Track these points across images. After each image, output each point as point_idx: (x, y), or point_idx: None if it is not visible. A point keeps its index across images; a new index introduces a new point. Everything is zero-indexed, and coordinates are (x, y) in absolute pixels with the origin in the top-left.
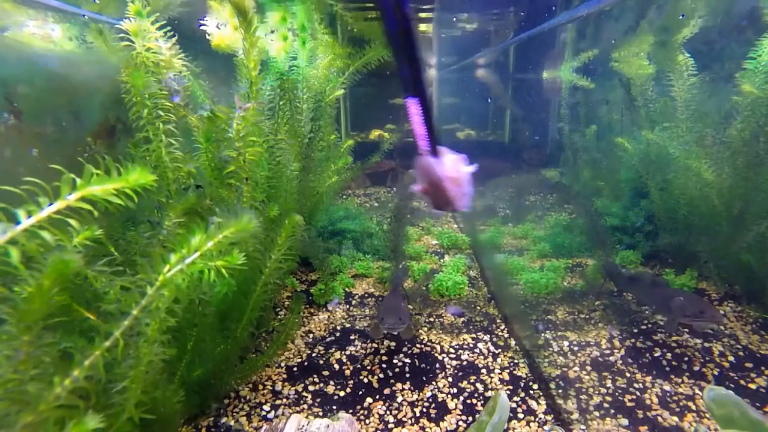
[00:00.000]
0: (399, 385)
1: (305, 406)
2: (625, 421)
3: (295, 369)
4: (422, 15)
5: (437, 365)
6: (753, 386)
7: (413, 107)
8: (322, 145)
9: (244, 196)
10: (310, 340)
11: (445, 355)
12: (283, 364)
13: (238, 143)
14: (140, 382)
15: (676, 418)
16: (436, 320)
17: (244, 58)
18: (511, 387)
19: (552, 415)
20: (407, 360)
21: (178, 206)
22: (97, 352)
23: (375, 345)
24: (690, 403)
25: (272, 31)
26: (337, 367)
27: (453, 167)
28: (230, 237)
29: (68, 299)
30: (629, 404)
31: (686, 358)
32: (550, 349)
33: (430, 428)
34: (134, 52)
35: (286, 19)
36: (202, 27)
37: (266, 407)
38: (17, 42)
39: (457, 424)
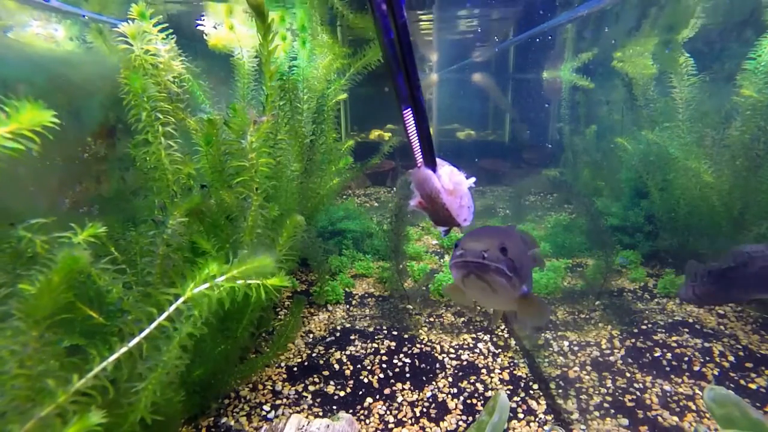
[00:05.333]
0: (399, 385)
1: (305, 406)
2: (625, 421)
3: (295, 369)
4: (422, 16)
5: (437, 365)
6: (753, 386)
7: (408, 118)
8: (323, 148)
9: (252, 204)
10: (310, 340)
11: (445, 355)
12: (283, 364)
13: (251, 155)
14: (158, 384)
15: (676, 418)
16: (436, 320)
17: (263, 67)
18: (511, 387)
19: (552, 415)
20: (407, 360)
21: (183, 205)
22: (114, 355)
23: (375, 345)
24: (690, 403)
25: None
26: (337, 367)
27: (450, 180)
28: (251, 269)
29: (72, 297)
30: (629, 404)
31: (686, 358)
32: (550, 349)
33: (430, 428)
34: (132, 54)
35: (284, 19)
36: (198, 27)
37: (266, 407)
38: (18, 42)
39: (457, 424)
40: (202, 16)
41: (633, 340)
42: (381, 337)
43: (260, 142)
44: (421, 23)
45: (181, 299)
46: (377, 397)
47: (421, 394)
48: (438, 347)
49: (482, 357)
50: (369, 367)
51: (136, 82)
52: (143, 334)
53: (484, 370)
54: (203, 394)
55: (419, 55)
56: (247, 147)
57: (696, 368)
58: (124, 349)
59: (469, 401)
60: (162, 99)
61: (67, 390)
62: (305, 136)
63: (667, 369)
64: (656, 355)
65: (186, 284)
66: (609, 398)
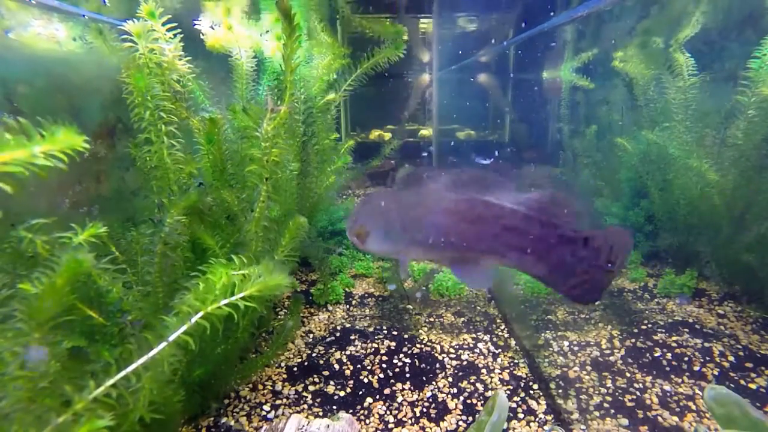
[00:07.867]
0: (399, 385)
1: (305, 406)
2: (625, 421)
3: (295, 369)
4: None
5: (437, 365)
6: (753, 386)
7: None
8: (317, 148)
9: (261, 194)
10: (310, 340)
11: (445, 355)
12: (283, 364)
13: (264, 143)
14: (155, 382)
15: (676, 418)
16: (436, 320)
17: (284, 64)
18: (511, 387)
19: (552, 415)
20: (407, 360)
21: (180, 203)
22: (133, 365)
23: (375, 345)
24: (690, 403)
25: (267, 31)
26: (337, 367)
27: None
28: (270, 286)
29: (74, 299)
30: (629, 404)
31: (686, 358)
32: (550, 349)
33: (430, 428)
34: (136, 53)
35: (279, 20)
36: (195, 27)
37: (266, 407)
38: (18, 42)
39: (457, 424)
40: (198, 17)
41: (633, 340)
42: (381, 337)
43: (275, 131)
44: (420, 23)
45: (200, 314)
46: (377, 397)
47: (421, 394)
48: (438, 347)
49: (482, 357)
50: (369, 367)
51: (140, 81)
52: (161, 347)
53: (484, 370)
54: (203, 394)
55: (415, 56)
56: (262, 135)
57: (696, 368)
58: (143, 360)
59: (469, 401)
60: (165, 98)
61: (84, 397)
62: (302, 135)
63: (667, 369)
64: (656, 355)
65: (206, 298)
66: (609, 398)
